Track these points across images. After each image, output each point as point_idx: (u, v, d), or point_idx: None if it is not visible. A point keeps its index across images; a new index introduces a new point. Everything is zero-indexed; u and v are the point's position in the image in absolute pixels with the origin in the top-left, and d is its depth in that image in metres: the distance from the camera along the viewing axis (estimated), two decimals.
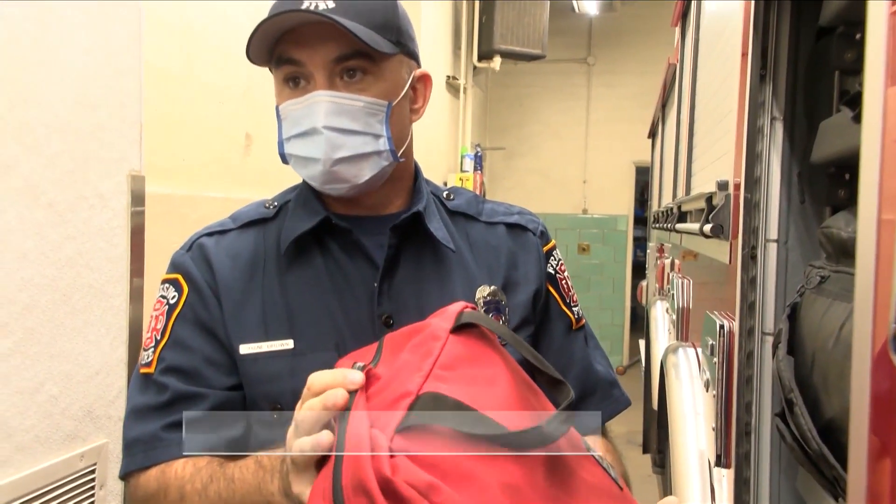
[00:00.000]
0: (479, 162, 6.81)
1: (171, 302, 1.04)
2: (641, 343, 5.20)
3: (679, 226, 2.48)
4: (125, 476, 1.02)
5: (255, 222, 1.09)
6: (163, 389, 1.00)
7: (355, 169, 1.00)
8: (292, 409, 0.96)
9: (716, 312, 1.58)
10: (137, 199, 1.82)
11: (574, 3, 7.27)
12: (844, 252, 1.12)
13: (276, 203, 1.12)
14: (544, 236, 1.17)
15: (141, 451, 0.99)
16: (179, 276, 1.05)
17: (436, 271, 1.06)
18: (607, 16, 7.74)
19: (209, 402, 1.00)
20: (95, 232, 1.68)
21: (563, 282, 1.17)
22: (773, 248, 1.32)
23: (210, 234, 1.08)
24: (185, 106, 2.57)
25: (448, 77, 6.33)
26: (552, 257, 1.16)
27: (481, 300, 1.07)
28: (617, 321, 8.00)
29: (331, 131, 0.98)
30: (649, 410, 3.86)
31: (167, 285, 1.06)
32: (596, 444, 1.13)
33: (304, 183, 1.09)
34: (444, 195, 1.16)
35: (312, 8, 0.94)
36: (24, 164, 1.48)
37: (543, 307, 1.13)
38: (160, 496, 0.96)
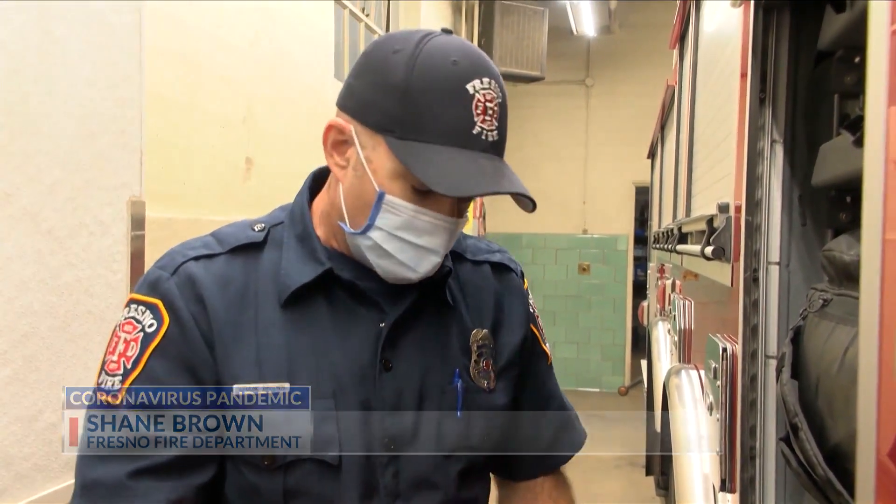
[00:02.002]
0: None
1: (149, 331, 0.95)
2: (643, 363, 5.18)
3: (680, 247, 2.48)
4: None
5: (244, 248, 1.01)
6: (129, 428, 0.93)
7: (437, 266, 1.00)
8: (284, 459, 0.95)
9: (718, 335, 1.57)
10: (137, 223, 1.82)
11: (572, 25, 7.32)
12: (847, 275, 1.12)
13: (263, 225, 1.04)
14: (522, 276, 1.18)
15: (103, 497, 0.91)
16: (160, 303, 0.96)
17: (435, 318, 1.05)
18: (605, 38, 7.78)
19: (179, 446, 0.94)
20: (95, 258, 1.68)
21: (538, 319, 1.18)
22: (774, 270, 1.31)
23: (197, 259, 0.99)
24: (185, 132, 2.58)
25: None
26: (529, 296, 1.18)
27: (475, 345, 1.07)
28: (618, 341, 7.97)
29: (442, 253, 0.97)
30: (652, 433, 3.83)
31: (143, 308, 0.97)
32: (558, 480, 1.17)
33: (300, 209, 1.04)
34: None
35: (487, 146, 0.91)
36: (25, 193, 1.48)
37: (531, 345, 1.14)
38: None
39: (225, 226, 1.06)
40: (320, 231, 1.03)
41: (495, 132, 0.92)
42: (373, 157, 0.93)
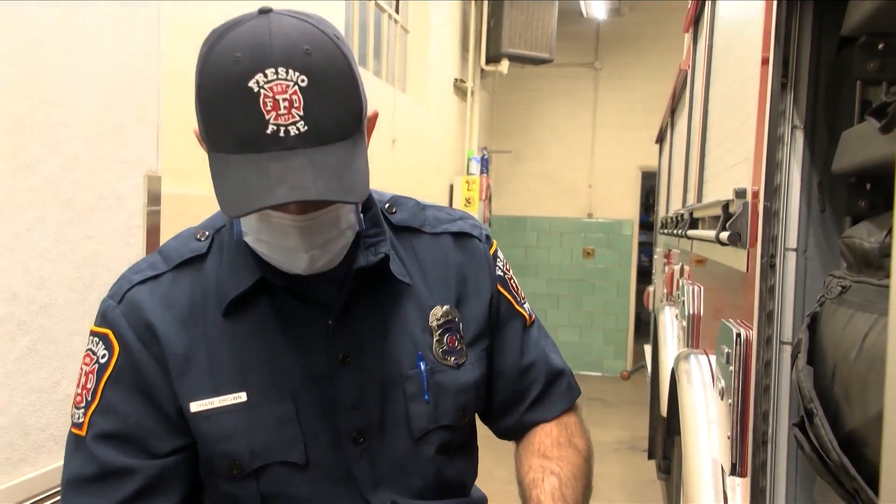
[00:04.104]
0: (485, 165, 6.82)
1: (102, 362, 0.96)
2: (646, 348, 5.19)
3: (691, 232, 2.47)
4: None
5: (189, 262, 1.01)
6: (94, 461, 0.94)
7: (332, 259, 0.97)
8: (251, 467, 0.96)
9: (731, 321, 1.58)
10: (154, 198, 1.83)
11: (582, 7, 7.28)
12: (867, 262, 1.12)
13: (207, 233, 1.04)
14: (488, 240, 1.16)
15: None
16: (110, 333, 0.97)
17: (389, 303, 1.04)
18: (615, 20, 7.74)
19: (144, 475, 0.94)
20: (112, 232, 1.69)
21: (512, 281, 1.17)
22: (791, 257, 1.31)
23: (143, 282, 0.99)
24: None
25: (455, 80, 6.34)
26: (498, 259, 1.16)
27: (435, 325, 1.06)
28: (621, 326, 7.99)
29: (311, 250, 0.93)
30: (656, 417, 3.85)
31: (97, 339, 0.98)
32: (563, 417, 1.15)
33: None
34: (387, 208, 1.11)
35: (291, 142, 0.83)
36: (45, 165, 1.49)
37: (496, 311, 1.13)
38: None
39: (171, 239, 1.05)
40: None
41: (301, 123, 0.82)
42: None
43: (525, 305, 1.17)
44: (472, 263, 1.12)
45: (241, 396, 0.96)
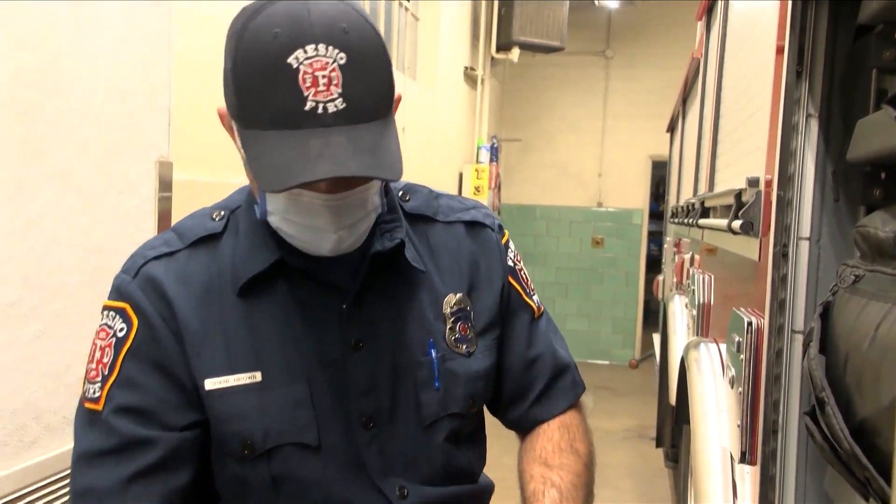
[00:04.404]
0: (494, 153, 6.80)
1: (120, 335, 0.95)
2: (655, 337, 5.19)
3: (702, 221, 2.47)
4: None
5: (204, 240, 1.01)
6: (113, 433, 0.93)
7: (356, 240, 0.97)
8: (263, 447, 0.95)
9: (742, 309, 1.57)
10: (165, 185, 1.83)
11: None
12: (881, 251, 1.11)
13: (223, 213, 1.03)
14: (501, 230, 1.16)
15: (107, 502, 0.92)
16: (127, 307, 0.96)
17: (402, 290, 1.04)
18: (627, 9, 7.69)
19: (163, 446, 0.94)
20: (124, 217, 1.69)
21: (522, 272, 1.16)
22: (804, 246, 1.31)
23: (157, 258, 0.99)
24: (211, 94, 2.57)
25: (466, 68, 6.32)
26: (509, 249, 1.15)
27: (448, 312, 1.06)
28: (630, 315, 7.98)
29: (339, 231, 0.93)
30: (664, 405, 3.85)
31: (113, 314, 0.97)
32: (566, 419, 1.14)
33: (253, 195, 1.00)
34: (400, 195, 1.11)
35: (329, 119, 0.83)
36: (57, 151, 1.49)
37: (506, 302, 1.13)
38: None
39: (185, 217, 1.05)
40: None
41: (339, 100, 0.82)
42: (240, 144, 0.90)
43: (534, 297, 1.17)
44: (485, 253, 1.11)
45: (257, 376, 0.96)
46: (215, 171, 2.60)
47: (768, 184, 1.43)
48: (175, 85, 1.88)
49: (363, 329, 1.00)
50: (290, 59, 0.81)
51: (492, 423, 1.19)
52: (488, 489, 1.17)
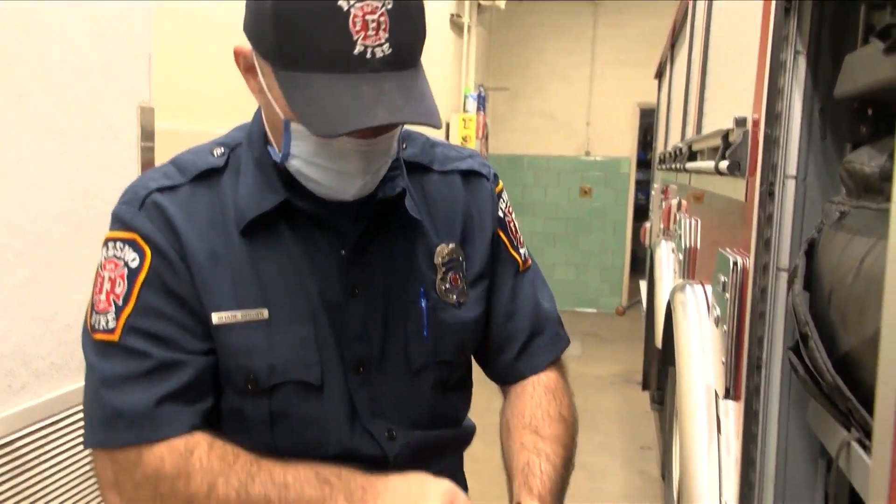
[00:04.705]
0: (481, 102, 6.75)
1: (133, 266, 0.93)
2: (642, 284, 5.23)
3: (689, 165, 2.47)
4: (113, 448, 0.92)
5: (205, 175, 0.99)
6: (141, 356, 0.92)
7: (373, 186, 0.97)
8: (268, 383, 0.96)
9: (728, 250, 1.58)
10: (147, 134, 1.81)
11: None
12: (867, 187, 1.12)
13: (223, 149, 1.02)
14: (496, 179, 1.15)
15: (138, 425, 0.91)
16: (137, 237, 0.94)
17: (399, 238, 1.04)
18: None
19: (193, 369, 0.94)
20: (107, 163, 1.67)
21: (511, 224, 1.16)
22: (791, 184, 1.31)
23: (161, 190, 0.96)
24: (192, 42, 2.53)
25: (452, 15, 6.22)
26: (502, 199, 1.15)
27: (440, 262, 1.06)
28: (617, 263, 8.03)
29: (366, 175, 0.93)
30: (650, 349, 3.90)
31: (121, 244, 0.95)
32: (550, 381, 1.14)
33: (257, 130, 1.00)
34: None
35: (377, 65, 0.83)
36: (37, 94, 1.47)
37: (493, 252, 1.13)
38: (178, 481, 0.89)
39: (184, 152, 1.03)
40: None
41: (386, 45, 0.82)
42: (272, 85, 0.89)
43: (521, 250, 1.17)
44: (478, 202, 1.11)
45: (264, 313, 0.96)
46: (198, 119, 2.57)
47: (755, 123, 1.42)
48: (156, 31, 1.85)
49: (360, 275, 1.01)
50: (341, 2, 0.81)
51: (479, 370, 1.20)
52: (471, 432, 1.18)
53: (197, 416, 0.94)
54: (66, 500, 1.57)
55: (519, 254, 1.16)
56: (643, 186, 8.24)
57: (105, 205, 1.71)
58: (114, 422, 0.91)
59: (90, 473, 1.60)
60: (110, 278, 0.95)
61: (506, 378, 1.17)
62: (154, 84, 1.85)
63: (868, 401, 1.02)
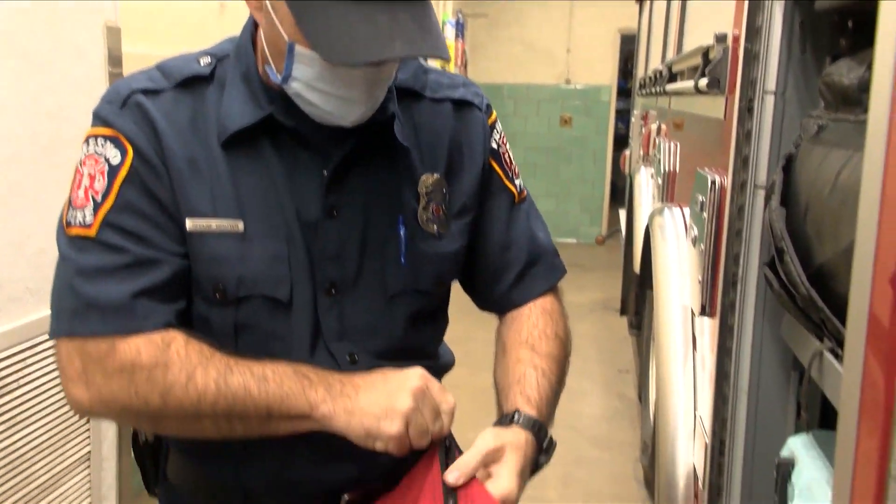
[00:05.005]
0: (460, 30, 6.63)
1: (114, 163, 0.92)
2: (621, 213, 5.24)
3: (669, 86, 2.45)
4: (83, 337, 0.91)
5: (189, 82, 0.97)
6: (119, 251, 0.91)
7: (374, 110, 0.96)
8: (235, 295, 0.96)
9: (706, 169, 1.58)
10: (115, 59, 1.76)
11: None
12: (845, 99, 1.11)
13: (210, 59, 0.99)
14: (489, 109, 1.13)
15: (112, 316, 0.90)
16: (119, 135, 0.93)
17: (383, 164, 1.03)
18: None
19: (170, 268, 0.93)
20: (74, 85, 1.63)
21: (506, 155, 1.14)
22: (770, 100, 1.30)
23: (144, 92, 0.94)
24: None
25: None
26: (495, 131, 1.13)
27: (423, 192, 1.05)
28: (597, 193, 8.04)
29: (368, 102, 0.93)
30: (629, 276, 3.94)
31: (103, 141, 0.93)
32: (546, 304, 1.15)
33: (244, 45, 0.99)
34: None
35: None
36: None
37: (486, 184, 1.11)
38: (156, 371, 0.89)
39: (170, 58, 1.00)
40: (263, 70, 0.97)
41: None
42: (277, 6, 0.87)
43: (516, 182, 1.15)
44: (469, 133, 1.09)
45: (239, 226, 0.95)
46: (165, 43, 2.51)
47: (735, 39, 1.41)
48: None
49: (340, 197, 1.00)
50: None
51: (466, 298, 1.20)
52: (446, 366, 1.18)
53: (172, 314, 0.94)
54: (45, 422, 1.57)
55: (514, 185, 1.14)
56: (624, 116, 8.20)
57: (75, 128, 1.67)
58: (86, 312, 0.90)
59: None
60: (90, 174, 0.93)
61: (502, 307, 1.16)
62: (122, 7, 1.79)
63: (841, 311, 1.03)
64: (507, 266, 1.14)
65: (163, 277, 0.92)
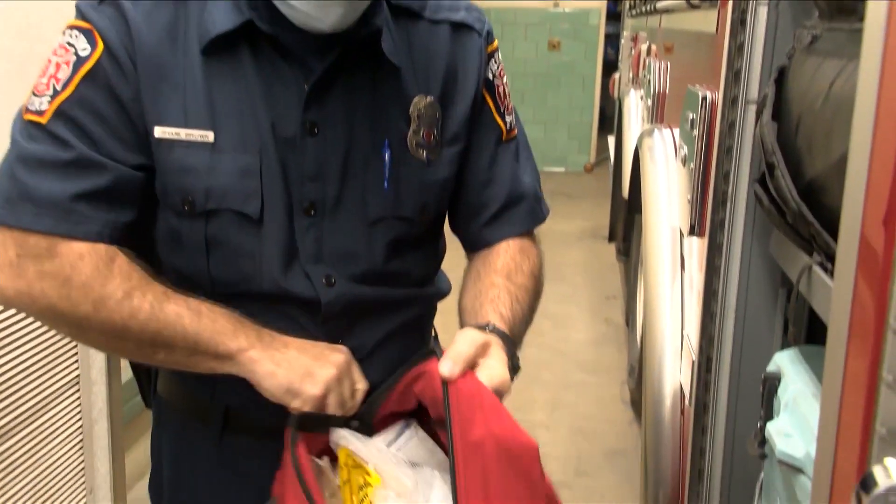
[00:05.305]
0: None
1: (81, 54, 0.90)
2: (610, 139, 5.21)
3: (661, 3, 2.39)
4: (15, 228, 0.89)
5: None
6: (63, 146, 0.89)
7: (355, 16, 0.93)
8: (204, 207, 0.94)
9: (697, 86, 1.55)
10: None
11: None
12: (840, 8, 1.08)
13: None
14: (490, 36, 1.09)
15: (50, 214, 0.88)
16: (93, 30, 0.91)
17: (371, 83, 0.99)
18: None
19: (112, 175, 0.90)
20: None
21: (500, 88, 1.10)
22: (763, 10, 1.26)
23: None
24: None
25: None
26: (493, 60, 1.09)
27: (415, 114, 1.01)
28: (586, 120, 7.97)
29: (346, 3, 0.89)
30: (617, 201, 3.93)
31: (76, 33, 0.91)
32: (524, 244, 1.12)
33: None
34: None
35: None
36: None
37: (476, 115, 1.07)
38: (95, 280, 0.89)
39: None
40: None
41: None
42: None
43: (507, 118, 1.10)
44: (465, 59, 1.05)
45: (209, 136, 0.93)
46: None
47: None
48: None
49: (321, 114, 0.96)
50: None
51: None
52: (440, 293, 1.15)
53: (111, 225, 0.92)
54: (33, 345, 1.57)
55: (504, 121, 1.10)
56: (613, 41, 8.06)
57: (46, 45, 1.62)
58: (21, 202, 0.88)
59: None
60: (57, 63, 0.91)
61: (474, 244, 1.14)
62: None
63: (830, 225, 1.03)
64: (485, 203, 1.10)
65: (104, 183, 0.90)
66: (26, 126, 0.90)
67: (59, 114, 0.89)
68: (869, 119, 0.71)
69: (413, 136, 1.01)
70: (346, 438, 0.91)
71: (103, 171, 0.90)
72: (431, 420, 0.94)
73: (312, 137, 0.96)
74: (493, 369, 0.91)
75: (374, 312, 1.04)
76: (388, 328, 1.05)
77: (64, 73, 0.90)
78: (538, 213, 1.15)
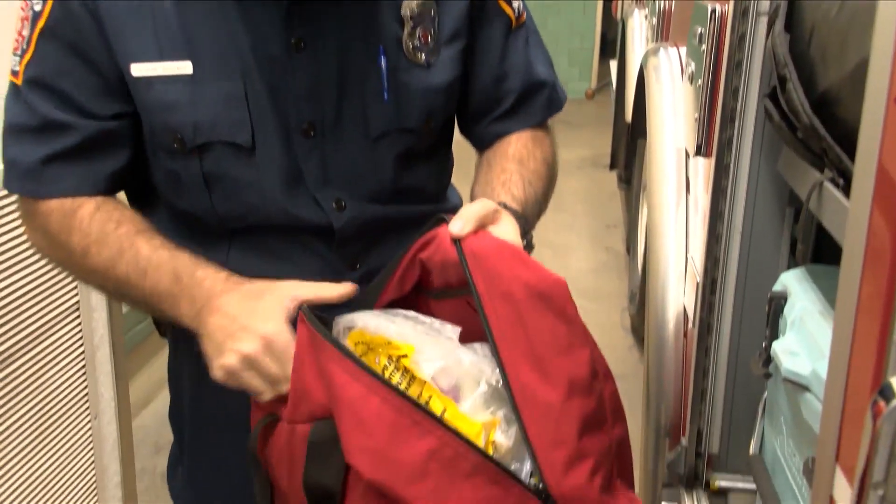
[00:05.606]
0: None
1: (36, 9, 0.88)
2: (612, 64, 5.10)
3: None
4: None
5: None
6: (31, 111, 0.90)
7: None
8: (194, 143, 0.91)
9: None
10: None
11: None
12: None
13: None
14: None
15: (26, 179, 0.92)
16: None
17: None
18: None
19: (80, 133, 0.90)
20: None
21: None
22: None
23: None
24: None
25: None
26: None
27: (409, 15, 0.95)
28: (587, 45, 7.81)
29: None
30: (619, 128, 3.87)
31: None
32: (538, 133, 1.08)
33: None
34: None
35: None
36: None
37: (480, 6, 1.00)
38: (61, 236, 0.92)
39: None
40: None
41: None
42: None
43: (514, 3, 1.04)
44: None
45: (187, 67, 0.89)
46: None
47: None
48: None
49: (307, 28, 0.91)
50: None
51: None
52: (453, 210, 1.11)
53: (87, 179, 0.93)
54: (31, 270, 1.55)
55: (512, 6, 1.03)
56: None
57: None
58: (9, 170, 0.94)
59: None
60: (21, 18, 0.90)
61: (485, 140, 1.08)
62: None
63: (843, 140, 1.00)
64: (500, 98, 1.05)
65: (73, 142, 0.91)
66: (12, 88, 0.92)
67: (28, 78, 0.90)
68: (892, 23, 0.68)
69: (409, 38, 0.96)
70: (360, 319, 0.83)
71: (71, 130, 0.91)
72: (431, 294, 0.89)
73: (300, 54, 0.91)
74: (504, 234, 0.84)
75: (389, 233, 1.00)
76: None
77: (26, 30, 0.89)
78: (555, 101, 1.10)
